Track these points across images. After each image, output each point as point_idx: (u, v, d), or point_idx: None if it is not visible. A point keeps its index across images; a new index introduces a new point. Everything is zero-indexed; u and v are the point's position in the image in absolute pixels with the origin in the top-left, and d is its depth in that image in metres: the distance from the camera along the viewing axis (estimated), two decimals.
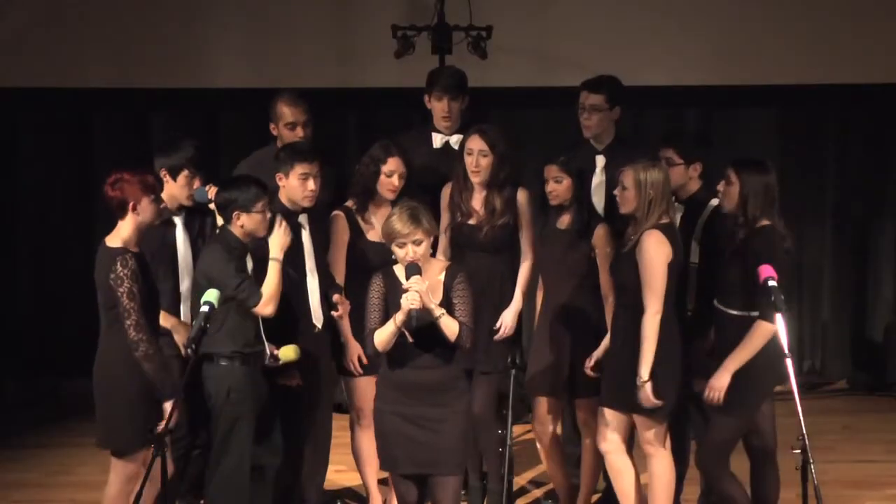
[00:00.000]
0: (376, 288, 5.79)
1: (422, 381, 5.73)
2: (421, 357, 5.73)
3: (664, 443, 6.23)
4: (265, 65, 9.24)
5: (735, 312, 6.09)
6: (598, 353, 6.38)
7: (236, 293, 5.94)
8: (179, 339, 6.29)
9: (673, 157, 6.55)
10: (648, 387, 6.02)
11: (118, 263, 5.74)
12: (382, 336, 5.69)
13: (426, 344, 5.72)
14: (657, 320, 6.01)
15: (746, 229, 6.05)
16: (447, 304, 5.74)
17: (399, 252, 5.72)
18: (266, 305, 6.02)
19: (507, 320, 6.67)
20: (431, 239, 5.77)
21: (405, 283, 5.64)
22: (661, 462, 6.24)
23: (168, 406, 5.76)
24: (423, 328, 5.69)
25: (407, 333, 5.69)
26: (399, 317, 5.62)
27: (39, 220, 9.56)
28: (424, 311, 5.62)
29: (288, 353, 6.21)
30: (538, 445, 6.76)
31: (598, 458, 6.64)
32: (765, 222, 6.07)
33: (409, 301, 5.58)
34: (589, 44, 9.07)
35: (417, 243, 5.69)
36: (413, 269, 5.65)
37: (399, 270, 5.74)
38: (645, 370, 6.02)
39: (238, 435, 6.05)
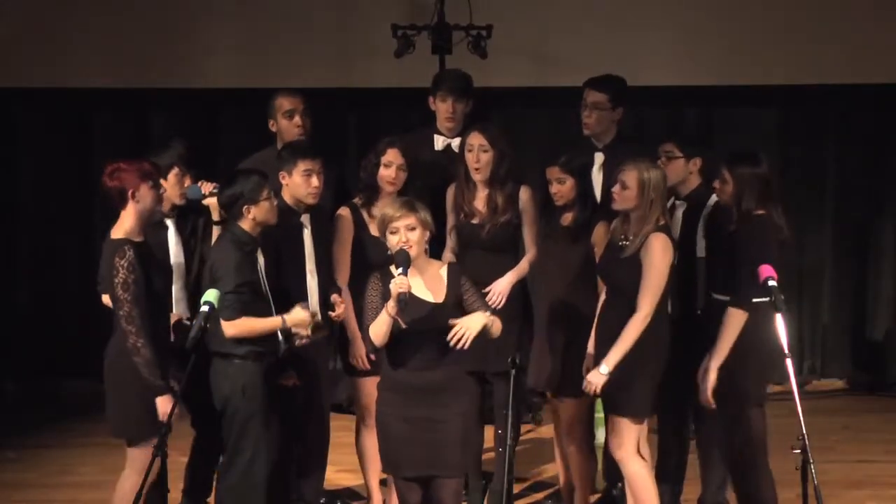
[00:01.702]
0: (374, 288, 5.76)
1: (422, 382, 5.70)
2: (421, 359, 5.69)
3: (636, 447, 6.20)
4: (265, 65, 9.25)
5: (725, 298, 6.08)
6: (589, 354, 6.36)
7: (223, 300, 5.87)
8: None
9: (673, 151, 6.55)
10: (604, 380, 6.01)
11: (117, 254, 5.76)
12: (377, 328, 5.64)
13: (426, 345, 5.69)
14: (643, 324, 6.00)
15: (739, 218, 6.04)
16: (453, 300, 5.72)
17: (392, 239, 5.66)
18: (231, 328, 5.92)
19: (497, 287, 6.63)
20: (427, 234, 5.72)
21: (394, 272, 5.61)
22: (635, 465, 6.20)
23: (160, 402, 5.77)
24: (423, 329, 5.66)
25: (399, 321, 5.63)
26: (390, 304, 5.57)
27: (39, 221, 9.57)
28: (411, 296, 5.57)
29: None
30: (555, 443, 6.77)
31: (587, 459, 6.63)
32: (759, 212, 6.06)
33: (396, 286, 5.53)
34: (589, 44, 9.08)
35: (410, 228, 5.64)
36: (402, 255, 5.61)
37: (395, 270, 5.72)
38: (612, 363, 5.99)
39: (252, 433, 6.05)
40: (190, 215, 6.49)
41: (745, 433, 6.09)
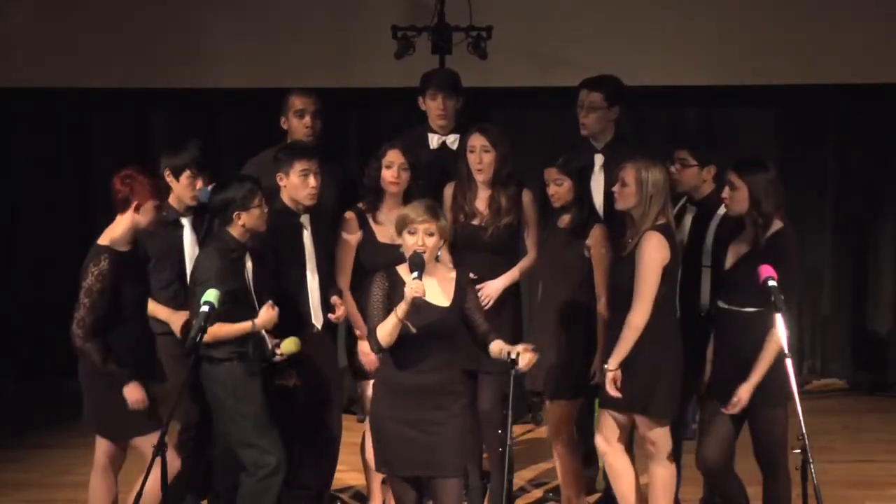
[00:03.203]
0: (379, 286, 5.73)
1: (421, 384, 5.68)
2: (420, 361, 5.67)
3: (668, 444, 6.23)
4: (265, 65, 9.26)
5: (750, 310, 6.03)
6: (598, 360, 6.37)
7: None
8: (175, 327, 6.30)
9: (688, 159, 6.54)
10: (617, 375, 6.04)
11: (93, 261, 5.81)
12: (385, 329, 5.60)
13: (431, 348, 5.67)
14: (641, 320, 6.01)
15: (764, 230, 6.01)
16: (459, 305, 5.73)
17: (409, 239, 5.63)
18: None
19: (488, 290, 6.60)
20: (443, 243, 5.71)
21: (407, 279, 5.60)
22: (663, 463, 6.23)
23: (128, 390, 5.83)
24: (428, 332, 5.64)
25: (409, 325, 5.63)
26: (402, 307, 5.54)
27: (39, 220, 9.57)
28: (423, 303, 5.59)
29: (289, 345, 6.20)
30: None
31: (576, 460, 6.63)
32: (779, 224, 6.04)
33: (412, 290, 5.50)
34: (589, 44, 9.08)
35: (429, 234, 5.62)
36: (417, 258, 5.59)
37: (402, 270, 5.69)
38: (614, 362, 6.04)
39: (254, 431, 6.08)
40: (203, 216, 6.51)
41: (772, 434, 6.08)
